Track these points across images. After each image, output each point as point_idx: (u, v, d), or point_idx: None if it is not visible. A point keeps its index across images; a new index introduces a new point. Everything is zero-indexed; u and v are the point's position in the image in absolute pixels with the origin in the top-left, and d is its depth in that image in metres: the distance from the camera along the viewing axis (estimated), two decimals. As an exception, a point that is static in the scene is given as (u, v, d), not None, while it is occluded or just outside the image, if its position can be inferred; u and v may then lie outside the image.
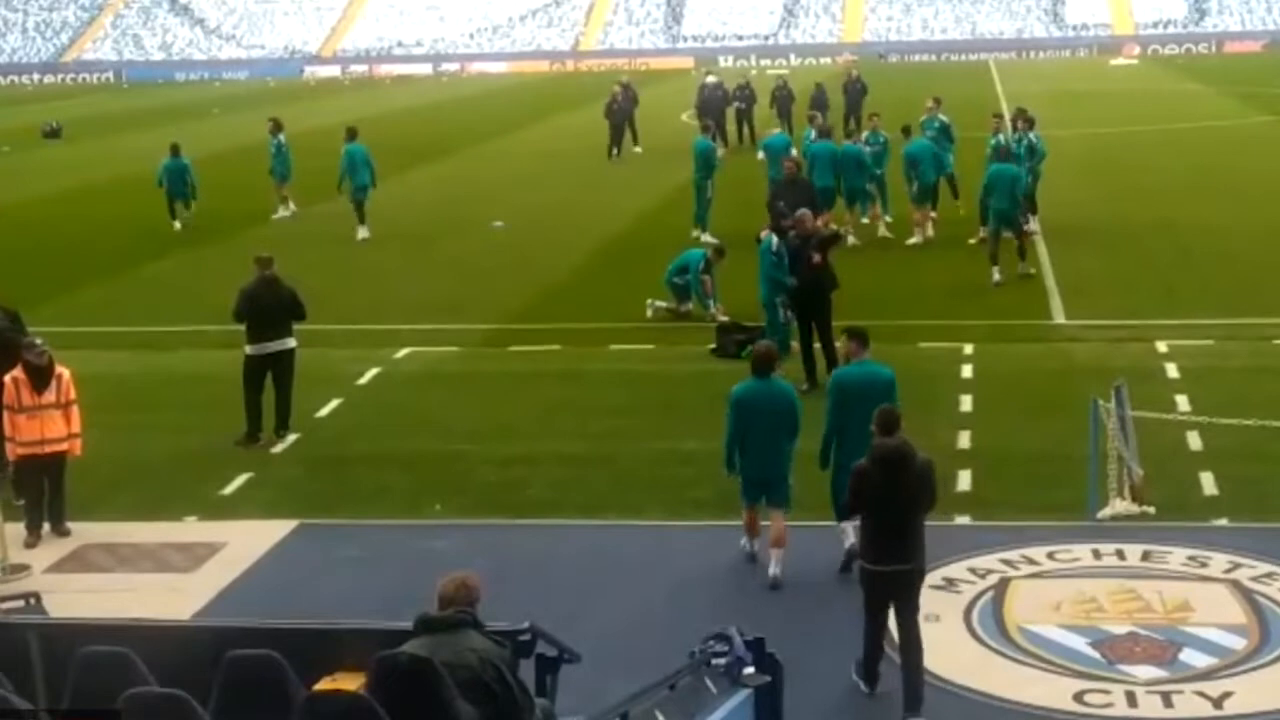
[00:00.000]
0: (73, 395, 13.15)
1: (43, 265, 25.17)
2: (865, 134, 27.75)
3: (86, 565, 12.53)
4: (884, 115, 29.28)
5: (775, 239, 17.31)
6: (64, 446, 13.13)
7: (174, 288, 23.53)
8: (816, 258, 16.61)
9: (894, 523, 9.76)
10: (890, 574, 9.77)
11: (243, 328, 15.68)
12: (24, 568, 12.38)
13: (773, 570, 11.82)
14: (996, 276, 21.78)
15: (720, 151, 30.32)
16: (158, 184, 29.30)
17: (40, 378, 13.05)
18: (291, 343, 15.67)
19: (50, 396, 13.03)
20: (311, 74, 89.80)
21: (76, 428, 13.18)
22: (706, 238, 24.77)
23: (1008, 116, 26.77)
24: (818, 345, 16.71)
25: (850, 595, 11.20)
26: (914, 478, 9.83)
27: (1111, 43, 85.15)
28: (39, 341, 13.30)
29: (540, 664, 7.26)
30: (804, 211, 17.82)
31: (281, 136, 30.57)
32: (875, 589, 9.87)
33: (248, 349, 15.61)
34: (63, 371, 13.20)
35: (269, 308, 15.52)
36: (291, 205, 30.60)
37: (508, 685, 6.80)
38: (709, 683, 7.16)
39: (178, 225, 28.74)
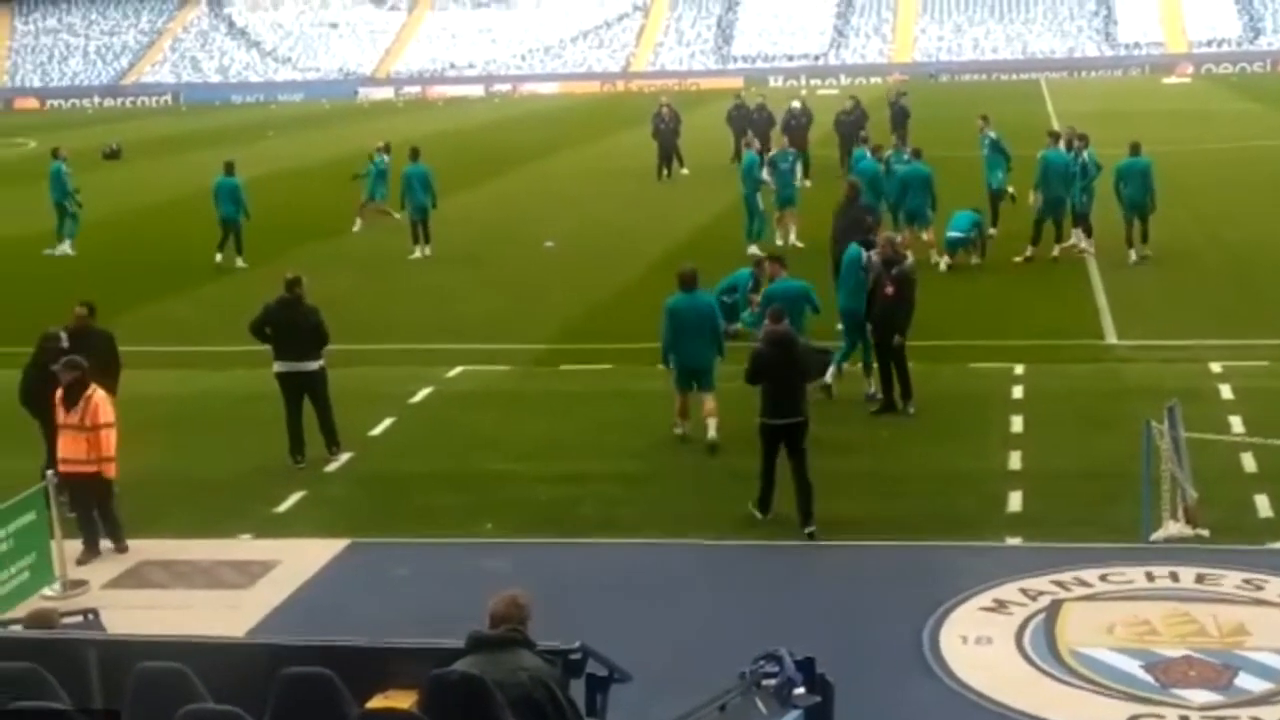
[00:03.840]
0: (100, 419, 12.91)
1: (101, 285, 25.40)
2: (889, 154, 27.70)
3: (144, 581, 12.68)
4: (934, 136, 29.20)
5: (864, 252, 17.25)
6: (86, 469, 12.91)
7: (231, 307, 23.65)
8: (890, 289, 16.41)
9: (784, 386, 13.16)
10: (784, 425, 13.09)
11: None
12: (82, 583, 12.53)
13: (711, 435, 15.37)
14: (1133, 256, 24.49)
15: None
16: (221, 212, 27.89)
17: (68, 396, 13.03)
18: (311, 366, 15.55)
19: (74, 417, 12.96)
20: (365, 95, 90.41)
21: (102, 451, 12.93)
22: (753, 250, 24.87)
23: (1063, 135, 26.67)
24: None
25: (901, 613, 11.22)
26: (797, 353, 13.42)
27: (1164, 61, 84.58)
28: (74, 359, 13.24)
29: (591, 683, 7.28)
30: (890, 235, 17.63)
31: (387, 157, 31.21)
32: (772, 438, 13.14)
33: (274, 366, 15.76)
34: (92, 393, 13.01)
35: (286, 329, 15.58)
36: (359, 223, 31.37)
37: (558, 704, 6.83)
38: (759, 703, 7.15)
39: (219, 258, 27.56)
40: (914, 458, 15.17)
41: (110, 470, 13.08)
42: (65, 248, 30.07)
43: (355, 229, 31.49)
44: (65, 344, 14.06)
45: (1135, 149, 25.00)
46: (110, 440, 13.03)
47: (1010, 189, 26.69)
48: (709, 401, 15.56)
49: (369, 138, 37.76)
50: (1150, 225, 24.79)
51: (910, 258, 24.15)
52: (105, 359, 14.65)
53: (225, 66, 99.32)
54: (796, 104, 38.36)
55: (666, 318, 15.68)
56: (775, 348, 13.36)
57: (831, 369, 17.23)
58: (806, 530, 12.88)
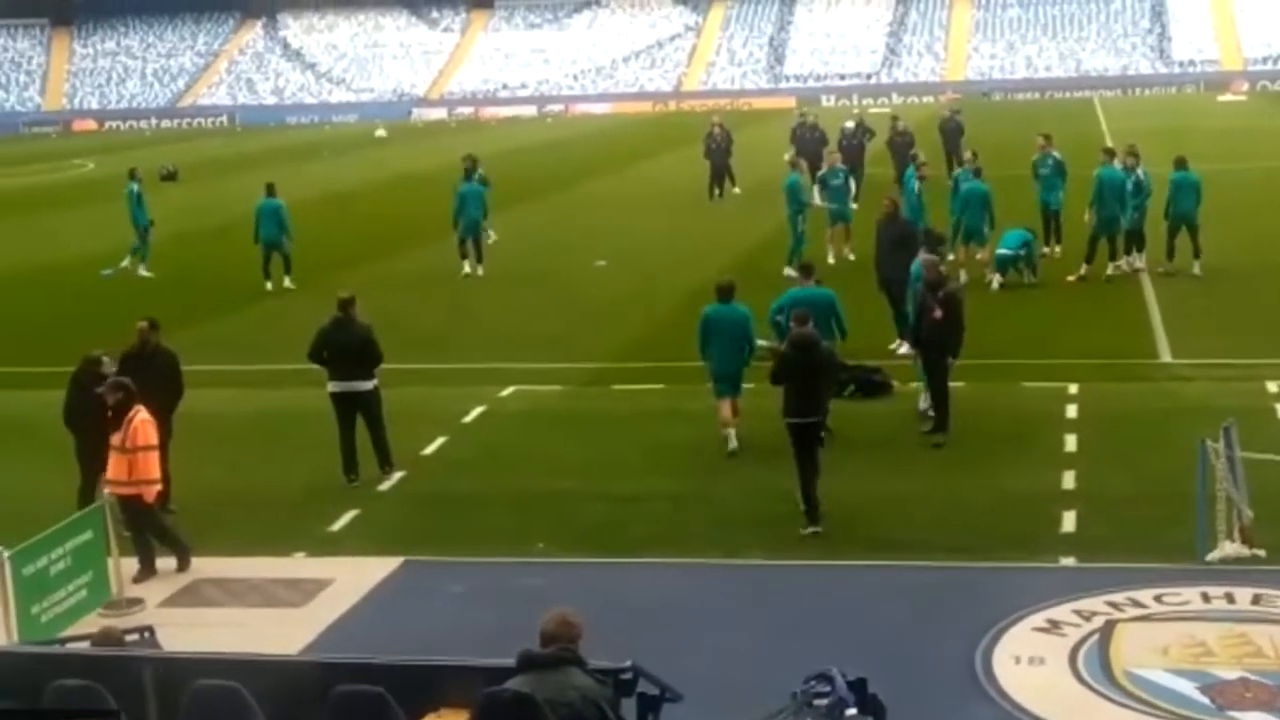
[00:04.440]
0: (139, 441, 12.93)
1: (157, 304, 25.63)
2: (957, 172, 27.68)
3: (199, 599, 12.78)
4: (987, 154, 29.08)
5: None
6: (127, 491, 12.93)
7: (285, 326, 23.84)
8: (938, 313, 16.30)
9: (806, 388, 13.91)
10: (805, 424, 13.88)
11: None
12: (139, 601, 12.65)
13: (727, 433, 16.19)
14: (1173, 266, 25.00)
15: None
16: (255, 237, 27.88)
17: (114, 417, 13.10)
18: (364, 385, 15.68)
19: (118, 439, 13.01)
20: (419, 116, 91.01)
21: (141, 474, 12.96)
22: (789, 272, 24.95)
23: (1118, 153, 26.59)
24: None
25: (954, 633, 11.18)
26: (818, 356, 14.13)
27: (1219, 79, 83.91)
28: (119, 380, 13.35)
29: (642, 703, 7.30)
30: (931, 259, 17.63)
31: (480, 172, 31.40)
32: (796, 435, 13.87)
33: (328, 386, 15.89)
34: (134, 415, 13.05)
35: (340, 349, 15.71)
36: (492, 233, 31.16)
37: (609, 723, 6.86)
38: (810, 723, 7.16)
39: (270, 286, 27.52)
40: (967, 477, 15.11)
41: (149, 494, 13.12)
42: (138, 269, 30.21)
43: (491, 240, 30.99)
44: (105, 369, 14.18)
45: (1182, 163, 25.28)
46: (149, 463, 13.06)
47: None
48: (734, 404, 16.32)
49: (424, 158, 37.96)
50: (1199, 240, 24.89)
51: (964, 276, 24.27)
52: (166, 377, 14.82)
53: (280, 88, 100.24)
54: (850, 124, 38.31)
55: (701, 325, 16.42)
56: (798, 350, 14.15)
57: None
58: (805, 508, 13.69)
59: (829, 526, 13.68)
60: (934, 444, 16.09)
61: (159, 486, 13.30)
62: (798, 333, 14.33)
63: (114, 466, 13.08)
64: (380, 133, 28.52)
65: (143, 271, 30.25)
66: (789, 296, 20.45)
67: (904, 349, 19.24)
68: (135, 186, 30.63)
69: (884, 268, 20.55)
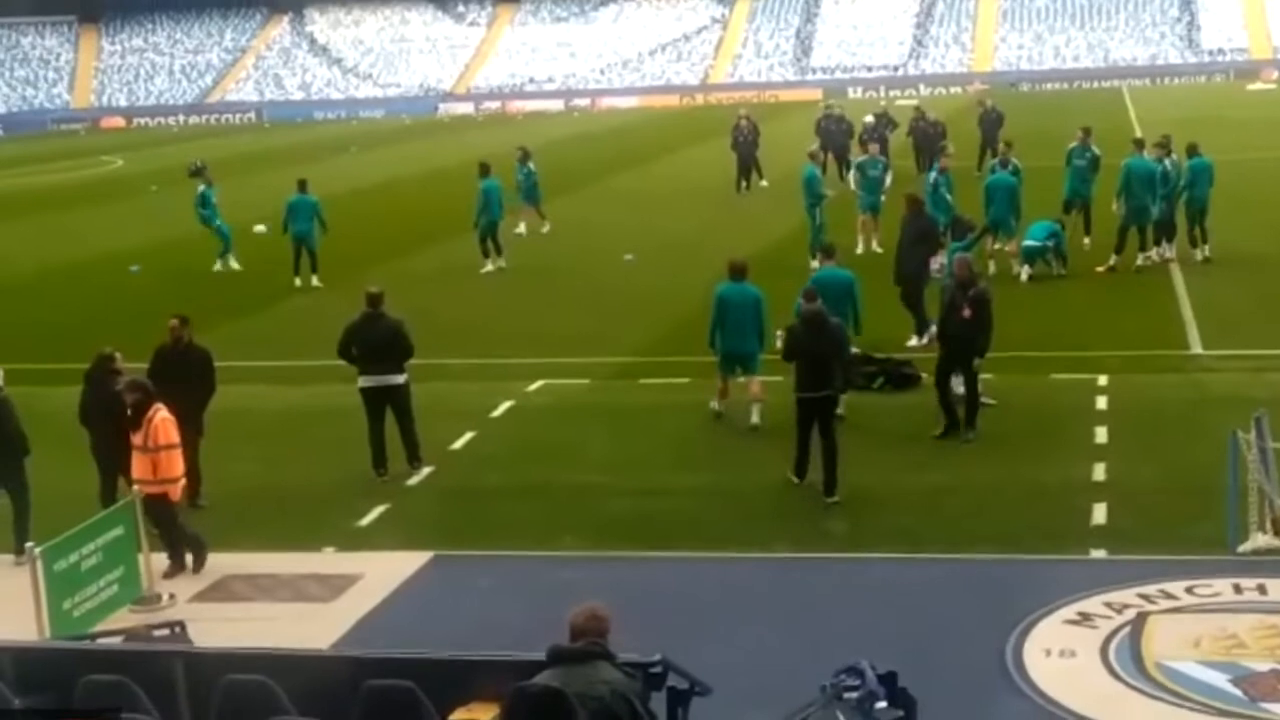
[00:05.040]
0: (161, 440, 12.95)
1: (184, 301, 25.72)
2: (992, 162, 27.63)
3: (228, 594, 12.83)
4: (1020, 146, 28.95)
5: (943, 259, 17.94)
6: (153, 490, 12.94)
7: (312, 322, 23.92)
8: (967, 312, 16.11)
9: (815, 363, 14.17)
10: (815, 399, 14.12)
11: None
12: (170, 596, 12.70)
13: (754, 419, 16.49)
14: (1199, 256, 25.18)
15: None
16: (284, 229, 28.10)
17: (133, 417, 13.11)
18: (396, 379, 15.70)
19: (139, 439, 13.04)
20: (446, 111, 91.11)
21: (165, 473, 12.98)
22: (816, 265, 24.96)
23: (1148, 142, 26.48)
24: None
25: (984, 626, 11.14)
26: (828, 332, 14.42)
27: (1248, 67, 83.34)
28: (136, 380, 13.39)
29: (671, 697, 7.29)
30: (964, 257, 17.52)
31: (530, 164, 32.50)
32: (804, 410, 14.20)
33: (359, 381, 15.90)
34: (154, 415, 13.05)
35: (370, 343, 15.72)
36: (547, 223, 33.04)
37: (638, 717, 6.86)
38: (841, 717, 7.15)
39: (299, 282, 27.64)
40: (996, 470, 15.06)
41: (175, 492, 13.15)
42: (232, 263, 30.33)
43: (545, 229, 32.73)
44: (119, 365, 14.21)
45: (1194, 150, 25.63)
46: (173, 461, 13.08)
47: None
48: (754, 385, 16.67)
49: (451, 152, 37.95)
50: (1207, 224, 25.27)
51: (993, 268, 24.20)
52: (199, 373, 14.87)
53: (307, 84, 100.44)
54: (870, 118, 38.29)
55: (715, 303, 16.75)
56: (807, 325, 14.50)
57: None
58: (830, 500, 13.99)
59: (858, 519, 13.65)
60: (963, 440, 16.00)
61: (183, 483, 13.36)
62: (807, 309, 14.69)
63: (139, 466, 13.13)
64: (260, 228, 30.08)
65: (233, 264, 30.11)
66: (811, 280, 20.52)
67: (918, 343, 19.39)
68: (202, 187, 30.64)
69: (902, 262, 20.59)
